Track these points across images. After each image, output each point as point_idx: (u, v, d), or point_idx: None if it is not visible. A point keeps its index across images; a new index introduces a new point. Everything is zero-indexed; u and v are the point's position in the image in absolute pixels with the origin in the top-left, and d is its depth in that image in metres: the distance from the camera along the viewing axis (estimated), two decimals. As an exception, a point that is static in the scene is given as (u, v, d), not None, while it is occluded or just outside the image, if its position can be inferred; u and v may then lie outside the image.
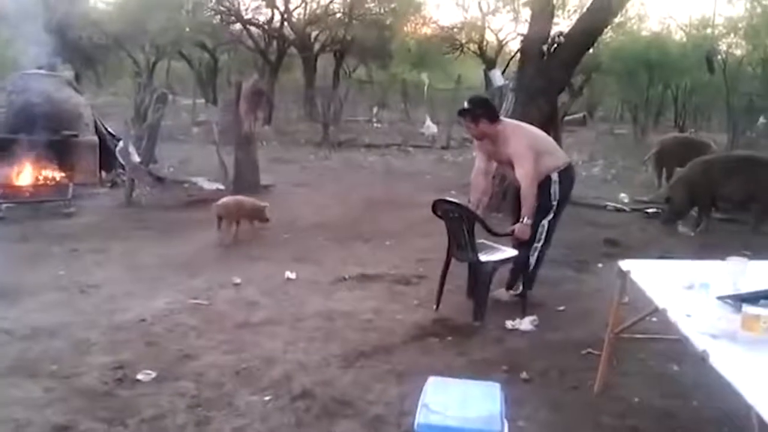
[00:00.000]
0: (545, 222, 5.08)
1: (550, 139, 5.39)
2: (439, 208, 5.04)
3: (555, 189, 5.04)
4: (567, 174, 5.13)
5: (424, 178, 11.86)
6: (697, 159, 8.61)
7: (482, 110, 5.04)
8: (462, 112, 5.16)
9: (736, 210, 8.46)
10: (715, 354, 2.33)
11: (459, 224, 4.92)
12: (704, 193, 8.14)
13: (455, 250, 5.08)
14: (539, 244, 5.12)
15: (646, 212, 9.03)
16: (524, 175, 4.87)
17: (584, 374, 3.91)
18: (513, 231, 5.03)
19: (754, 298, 2.59)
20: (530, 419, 3.40)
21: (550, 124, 9.80)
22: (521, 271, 5.21)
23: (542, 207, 5.03)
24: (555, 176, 5.03)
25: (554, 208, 5.08)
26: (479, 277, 4.98)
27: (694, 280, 3.02)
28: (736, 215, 8.51)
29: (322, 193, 8.73)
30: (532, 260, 5.15)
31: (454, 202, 5.05)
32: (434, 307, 5.06)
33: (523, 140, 4.97)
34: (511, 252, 5.07)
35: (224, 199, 7.29)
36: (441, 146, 16.95)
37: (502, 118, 5.15)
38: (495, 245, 5.14)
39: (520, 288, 5.20)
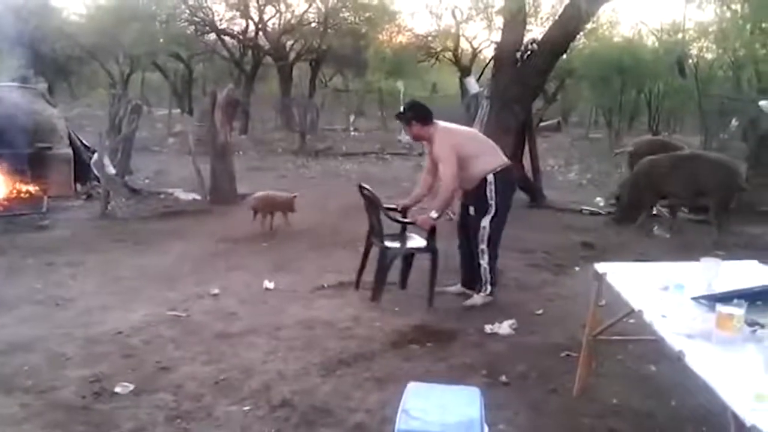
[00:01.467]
0: (485, 222, 5.23)
1: (488, 143, 5.49)
2: (361, 193, 5.40)
3: (491, 189, 5.17)
4: (503, 176, 5.23)
5: (401, 185, 11.84)
6: (644, 159, 8.85)
7: (412, 113, 5.33)
8: (397, 116, 5.62)
9: (699, 210, 8.69)
10: (690, 354, 2.36)
11: (370, 210, 5.34)
12: (649, 192, 8.39)
13: (372, 235, 5.43)
14: (484, 246, 5.26)
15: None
16: (446, 175, 5.12)
17: (563, 377, 3.93)
18: (416, 221, 5.31)
19: (727, 298, 2.62)
20: (510, 422, 3.41)
21: (525, 130, 9.91)
22: (476, 272, 5.34)
23: (481, 208, 5.25)
24: (490, 177, 5.17)
25: (492, 208, 5.20)
26: (381, 260, 5.29)
27: (669, 282, 3.05)
28: (707, 217, 8.68)
29: (299, 202, 8.71)
30: (483, 263, 5.29)
31: (365, 188, 5.39)
32: (354, 287, 5.52)
33: (448, 142, 5.16)
34: (420, 242, 5.37)
35: (257, 194, 8.07)
36: (418, 153, 16.95)
37: (437, 121, 5.31)
38: (416, 236, 5.46)
39: (489, 288, 5.33)
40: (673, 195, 8.46)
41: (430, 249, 5.29)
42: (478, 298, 5.33)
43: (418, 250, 5.41)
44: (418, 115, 5.30)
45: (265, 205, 7.92)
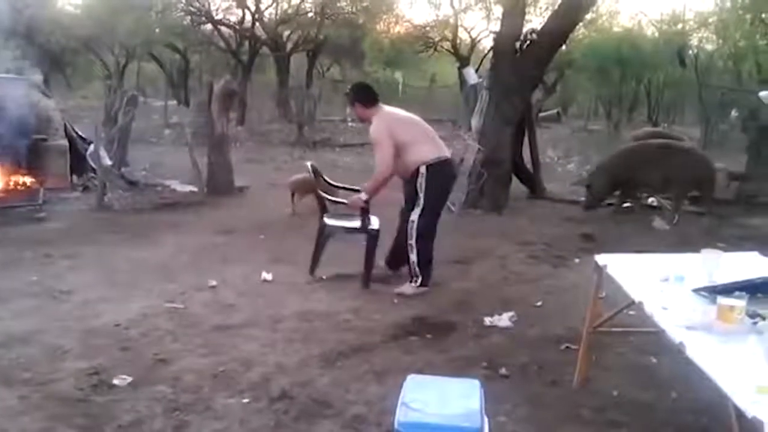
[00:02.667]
0: (414, 217, 5.23)
1: (429, 132, 5.43)
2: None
3: (421, 182, 5.16)
4: (438, 169, 5.19)
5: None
6: (619, 148, 9.27)
7: (355, 94, 5.44)
8: (346, 96, 5.80)
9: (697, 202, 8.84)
10: (691, 345, 2.35)
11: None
12: (624, 180, 8.55)
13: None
14: (412, 241, 5.26)
15: (622, 207, 9.11)
16: (379, 159, 5.16)
17: (563, 369, 3.93)
18: (347, 201, 5.52)
19: (728, 290, 2.61)
20: (510, 415, 3.40)
21: (525, 121, 9.88)
22: (406, 264, 5.42)
23: (411, 201, 5.29)
24: (423, 169, 5.14)
25: (421, 201, 5.19)
26: (318, 236, 5.58)
27: (669, 273, 3.05)
28: (711, 209, 8.74)
29: (297, 194, 8.74)
30: (412, 257, 5.30)
31: (311, 166, 5.75)
32: (309, 272, 5.64)
33: (384, 126, 5.17)
34: (356, 223, 5.48)
35: (296, 176, 8.33)
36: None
37: (382, 105, 5.37)
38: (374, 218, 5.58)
39: (419, 280, 5.34)
40: (645, 183, 8.63)
41: (363, 229, 5.41)
42: (408, 288, 5.35)
43: (352, 230, 5.52)
44: (360, 96, 5.39)
45: (303, 187, 8.16)
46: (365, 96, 5.40)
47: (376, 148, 5.17)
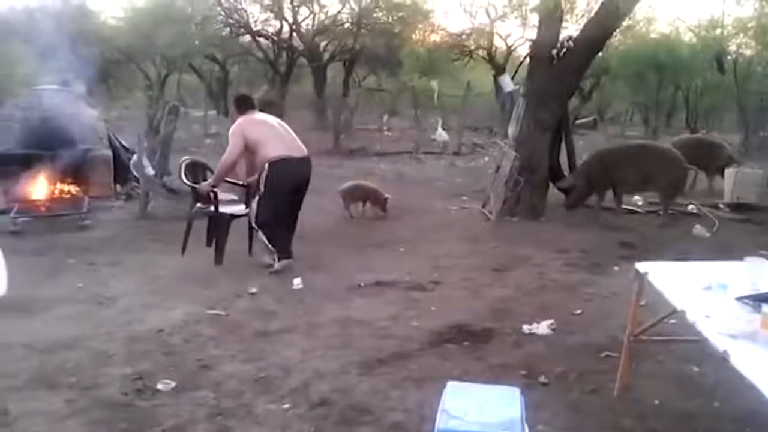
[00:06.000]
0: (254, 204, 6.14)
1: (281, 135, 6.13)
2: None
3: (264, 176, 5.96)
4: (275, 167, 5.92)
5: (435, 185, 11.85)
6: (598, 149, 9.82)
7: (233, 102, 6.60)
8: None
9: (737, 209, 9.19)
10: (735, 354, 2.33)
11: None
12: (602, 180, 8.90)
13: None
14: (256, 225, 6.14)
15: (660, 213, 9.00)
16: (227, 152, 6.08)
17: (603, 377, 3.90)
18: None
19: (773, 298, 2.59)
20: (550, 423, 3.39)
21: (562, 128, 9.81)
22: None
23: (256, 191, 6.14)
24: (266, 166, 5.93)
25: (262, 193, 5.99)
26: (188, 219, 6.59)
27: (711, 281, 3.02)
28: (748, 216, 8.67)
29: (333, 201, 8.78)
30: (262, 238, 6.14)
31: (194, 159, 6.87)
32: (181, 252, 6.45)
33: (240, 127, 6.05)
34: (210, 209, 6.45)
35: (348, 183, 8.93)
36: (452, 152, 16.90)
37: (255, 112, 6.27)
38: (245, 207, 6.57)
39: (276, 257, 6.13)
40: (624, 182, 8.89)
41: (212, 213, 6.38)
42: (276, 265, 6.10)
43: (207, 212, 6.46)
44: (235, 103, 6.44)
45: (350, 193, 8.71)
46: (237, 104, 6.36)
47: (230, 143, 6.03)
